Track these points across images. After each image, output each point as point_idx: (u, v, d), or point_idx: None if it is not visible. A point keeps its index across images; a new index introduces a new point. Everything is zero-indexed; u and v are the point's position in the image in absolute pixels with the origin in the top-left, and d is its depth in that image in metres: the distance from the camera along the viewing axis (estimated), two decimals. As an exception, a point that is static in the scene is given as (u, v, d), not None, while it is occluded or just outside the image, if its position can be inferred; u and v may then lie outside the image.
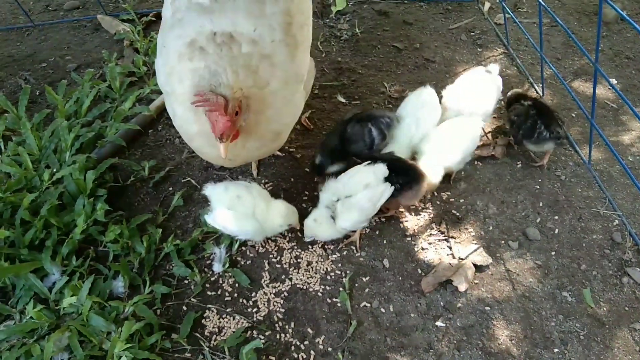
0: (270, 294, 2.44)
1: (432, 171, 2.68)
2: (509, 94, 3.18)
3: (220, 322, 2.34)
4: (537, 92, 3.50)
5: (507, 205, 2.82)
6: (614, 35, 4.11)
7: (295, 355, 2.23)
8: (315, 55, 3.86)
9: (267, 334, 2.30)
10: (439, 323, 2.33)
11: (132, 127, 3.09)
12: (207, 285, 2.48)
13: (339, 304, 2.40)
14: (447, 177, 2.87)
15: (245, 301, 2.42)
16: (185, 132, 2.33)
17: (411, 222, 2.74)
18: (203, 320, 2.35)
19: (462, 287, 2.43)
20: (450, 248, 2.62)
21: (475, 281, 2.49)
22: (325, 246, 2.62)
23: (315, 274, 2.51)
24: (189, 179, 2.95)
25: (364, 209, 2.46)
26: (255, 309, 2.39)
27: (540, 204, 2.81)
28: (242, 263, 2.57)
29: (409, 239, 2.66)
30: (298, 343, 2.27)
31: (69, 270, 2.42)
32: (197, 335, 2.29)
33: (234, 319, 2.35)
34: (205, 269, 2.54)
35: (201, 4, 2.24)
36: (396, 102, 3.36)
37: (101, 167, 2.79)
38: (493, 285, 2.48)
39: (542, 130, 2.84)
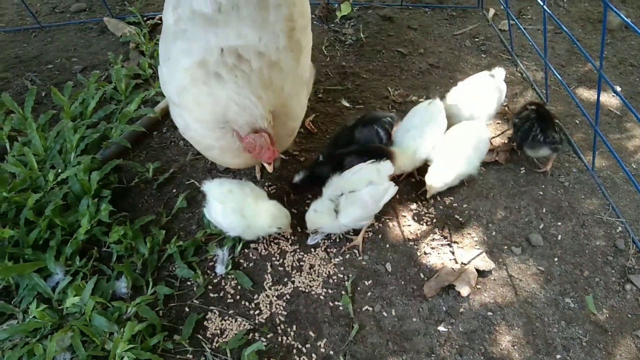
0: (273, 296, 2.44)
1: (438, 175, 2.69)
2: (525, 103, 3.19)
3: (222, 324, 2.34)
4: (540, 99, 3.51)
5: (510, 211, 2.82)
6: (618, 42, 4.12)
7: (297, 358, 2.23)
8: (320, 59, 3.88)
9: (269, 336, 2.30)
10: (441, 328, 2.33)
11: (137, 129, 3.11)
12: (210, 287, 2.48)
13: (341, 308, 2.40)
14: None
15: (247, 303, 2.42)
16: (199, 143, 2.38)
17: (414, 226, 2.74)
18: (205, 322, 2.35)
19: (464, 292, 2.43)
20: (453, 253, 2.62)
21: (478, 286, 2.49)
22: (328, 249, 2.63)
23: (318, 277, 2.51)
24: (192, 181, 2.95)
25: (366, 205, 2.48)
26: (257, 312, 2.39)
27: (544, 210, 2.81)
28: (245, 265, 2.57)
29: (411, 243, 2.66)
30: (300, 346, 2.27)
31: (73, 270, 2.43)
32: (199, 336, 2.29)
33: (236, 321, 2.35)
34: (208, 271, 2.54)
35: (205, 14, 2.22)
36: (400, 106, 3.38)
37: (106, 168, 2.80)
38: (495, 290, 2.48)
39: (537, 134, 2.85)
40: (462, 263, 2.56)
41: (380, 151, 2.68)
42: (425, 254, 2.62)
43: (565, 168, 3.05)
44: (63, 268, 2.41)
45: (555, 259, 2.60)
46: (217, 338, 2.29)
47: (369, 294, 2.46)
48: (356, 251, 2.62)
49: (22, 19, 4.49)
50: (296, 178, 2.69)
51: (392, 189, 2.54)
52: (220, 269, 2.51)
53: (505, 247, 2.65)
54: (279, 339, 2.29)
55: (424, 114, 2.88)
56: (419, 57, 3.92)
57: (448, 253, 2.63)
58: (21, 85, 3.69)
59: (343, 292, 2.45)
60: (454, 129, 2.91)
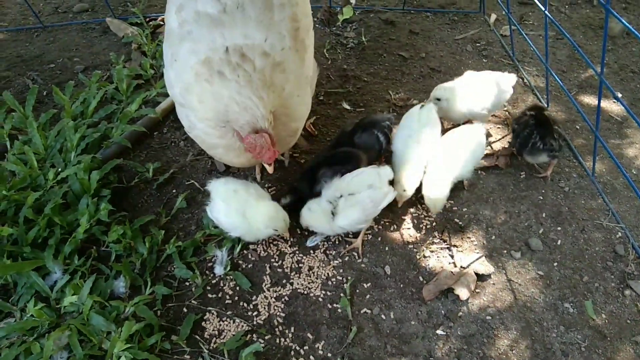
0: (271, 298, 2.43)
1: (438, 187, 2.66)
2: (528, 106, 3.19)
3: (220, 324, 2.34)
4: (541, 104, 3.51)
5: (510, 215, 2.81)
6: (619, 49, 4.13)
7: (295, 360, 2.23)
8: (322, 62, 3.88)
9: (267, 338, 2.29)
10: (439, 331, 2.33)
11: (137, 129, 3.11)
12: (208, 288, 2.47)
13: (339, 310, 2.40)
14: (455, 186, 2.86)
15: (245, 304, 2.42)
16: (204, 142, 2.38)
17: (413, 229, 2.74)
18: (203, 323, 2.34)
19: (463, 296, 2.42)
20: (452, 256, 2.62)
21: (477, 290, 2.48)
22: (327, 252, 2.62)
23: (317, 279, 2.51)
24: (192, 181, 2.95)
25: (365, 208, 2.48)
26: (255, 313, 2.38)
27: (543, 215, 2.81)
28: (244, 266, 2.56)
29: (411, 246, 2.66)
30: (298, 348, 2.26)
31: (71, 269, 2.43)
32: (197, 337, 2.28)
33: (234, 322, 2.34)
34: (207, 272, 2.54)
35: (210, 15, 2.22)
36: (401, 110, 3.38)
37: (106, 168, 2.80)
38: (495, 294, 2.47)
39: (536, 141, 2.84)
40: (461, 267, 2.56)
41: (349, 156, 2.70)
42: (425, 257, 2.62)
43: (566, 173, 3.05)
44: (61, 267, 2.40)
45: (555, 264, 2.59)
46: (214, 339, 2.29)
47: (368, 296, 2.45)
48: (355, 254, 2.62)
49: (25, 18, 4.50)
50: (282, 201, 2.65)
51: (391, 194, 2.55)
52: (218, 270, 2.51)
53: (505, 251, 2.65)
54: (277, 341, 2.28)
55: (419, 118, 2.87)
56: (421, 61, 3.93)
57: (447, 257, 2.62)
58: (23, 84, 3.69)
59: (342, 295, 2.44)
60: (451, 134, 2.90)
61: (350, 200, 2.47)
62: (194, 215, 2.79)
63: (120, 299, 2.38)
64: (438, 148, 2.82)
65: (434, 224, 2.76)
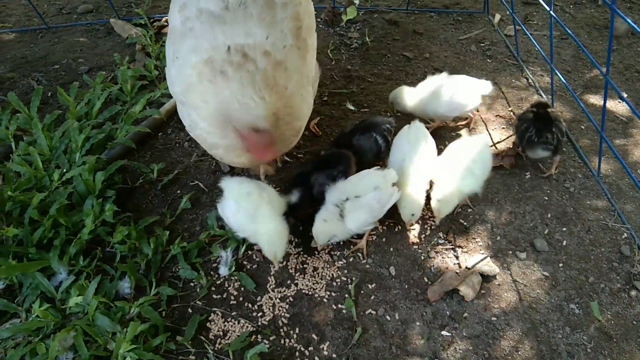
0: (276, 298, 2.43)
1: (443, 202, 2.62)
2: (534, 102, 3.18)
3: (225, 325, 2.34)
4: (544, 100, 3.49)
5: (515, 216, 2.80)
6: (624, 49, 4.11)
7: (300, 361, 2.23)
8: (325, 62, 3.88)
9: (271, 338, 2.29)
10: (444, 332, 2.32)
11: (142, 130, 3.12)
12: (213, 289, 2.47)
13: (344, 311, 2.39)
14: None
15: (250, 305, 2.42)
16: (205, 141, 2.38)
17: (418, 230, 2.73)
18: (208, 323, 2.34)
19: (468, 297, 2.41)
20: (457, 257, 2.61)
21: (482, 291, 2.48)
22: (332, 252, 2.62)
23: (321, 279, 2.51)
24: (197, 182, 2.96)
25: (372, 210, 2.47)
26: (260, 314, 2.38)
27: (549, 216, 2.80)
28: (248, 267, 2.56)
29: (415, 247, 2.65)
30: (302, 349, 2.26)
31: (76, 270, 2.43)
32: (202, 338, 2.29)
33: (238, 322, 2.34)
34: (211, 272, 2.54)
35: (212, 13, 2.23)
36: (404, 110, 3.35)
37: (110, 169, 2.80)
38: (500, 295, 2.46)
39: (532, 135, 2.84)
40: (466, 267, 2.55)
41: (339, 158, 2.69)
42: (429, 257, 2.61)
43: (571, 174, 3.04)
44: (67, 267, 2.41)
45: (560, 265, 2.58)
46: (219, 339, 2.29)
47: (373, 297, 2.45)
48: (360, 254, 2.61)
49: (29, 19, 4.52)
50: (293, 198, 2.59)
51: (396, 194, 2.54)
52: (223, 271, 2.51)
53: (510, 252, 2.64)
54: (282, 342, 2.28)
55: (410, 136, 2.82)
56: (425, 62, 3.92)
57: (452, 257, 2.62)
58: (27, 85, 3.70)
59: (346, 296, 2.44)
60: (455, 146, 2.86)
61: (357, 203, 2.46)
62: (199, 216, 2.79)
63: (125, 299, 2.38)
64: (442, 162, 2.78)
65: (439, 224, 2.75)
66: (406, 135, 2.83)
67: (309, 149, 3.17)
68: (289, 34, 2.28)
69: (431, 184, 2.73)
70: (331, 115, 3.43)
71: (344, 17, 4.33)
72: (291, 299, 2.44)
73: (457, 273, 2.51)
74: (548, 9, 3.03)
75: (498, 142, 3.22)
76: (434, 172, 2.74)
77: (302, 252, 2.61)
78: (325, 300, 2.43)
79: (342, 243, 2.65)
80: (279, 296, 2.44)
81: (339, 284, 2.49)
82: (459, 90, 3.09)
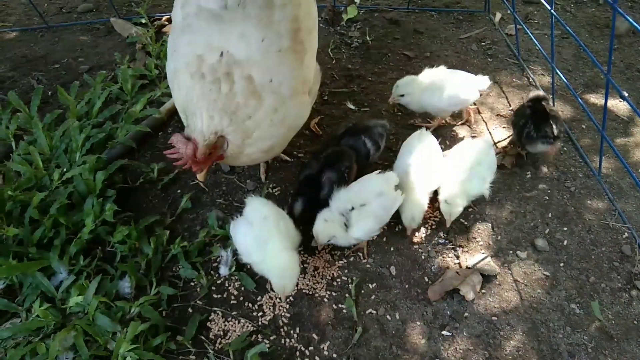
0: (276, 298, 2.43)
1: (455, 200, 2.61)
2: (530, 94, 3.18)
3: (225, 325, 2.33)
4: (539, 94, 3.48)
5: (516, 215, 2.80)
6: (625, 48, 4.10)
7: (300, 361, 2.22)
8: (326, 61, 3.88)
9: (272, 338, 2.29)
10: (445, 332, 2.32)
11: (142, 129, 3.11)
12: (213, 288, 2.47)
13: (344, 310, 2.39)
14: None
15: (250, 305, 2.41)
16: None
17: (419, 230, 2.72)
18: (208, 323, 2.34)
19: (469, 297, 2.41)
20: (457, 257, 2.61)
21: (483, 291, 2.47)
22: (332, 252, 2.62)
23: (322, 279, 2.50)
24: (197, 181, 2.95)
25: (378, 216, 2.46)
26: (260, 313, 2.38)
27: (549, 215, 2.80)
28: (249, 267, 2.55)
29: (416, 246, 2.65)
30: (303, 348, 2.26)
31: (76, 270, 2.43)
32: (202, 337, 2.28)
33: (239, 322, 2.34)
34: (212, 272, 2.54)
35: (211, 10, 2.25)
36: (405, 109, 3.35)
37: (111, 168, 2.80)
38: (500, 295, 2.46)
39: (530, 130, 2.86)
40: (467, 267, 2.55)
41: (341, 154, 2.69)
42: (430, 257, 2.61)
43: (572, 173, 3.03)
44: (67, 267, 2.40)
45: (561, 264, 2.58)
46: (220, 339, 2.28)
47: (373, 297, 2.45)
48: (360, 254, 2.61)
49: (30, 18, 4.51)
50: (296, 210, 2.58)
51: (399, 198, 2.53)
52: (223, 270, 2.51)
53: (511, 251, 2.64)
54: (282, 341, 2.28)
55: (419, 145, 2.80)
56: (425, 61, 3.91)
57: (453, 257, 2.62)
58: (27, 85, 3.70)
59: (347, 295, 2.44)
60: (458, 149, 2.86)
61: (363, 212, 2.44)
62: (199, 216, 2.79)
63: (125, 299, 2.38)
64: (447, 165, 2.77)
65: (440, 223, 2.75)
66: (414, 142, 2.82)
67: (310, 148, 3.16)
68: (285, 36, 2.28)
69: (437, 190, 2.71)
70: (332, 115, 3.42)
71: (345, 16, 4.32)
72: (291, 298, 2.44)
73: (457, 273, 2.51)
74: (549, 7, 3.03)
75: (499, 142, 3.22)
76: (440, 180, 2.72)
77: (302, 252, 2.61)
78: (325, 299, 2.43)
79: (342, 242, 2.65)
80: (279, 296, 2.44)
81: (339, 283, 2.49)
82: (458, 85, 3.09)
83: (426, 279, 2.52)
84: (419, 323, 2.35)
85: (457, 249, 2.65)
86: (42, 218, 2.52)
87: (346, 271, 2.54)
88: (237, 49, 2.20)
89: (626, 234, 2.71)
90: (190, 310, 2.39)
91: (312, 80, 2.58)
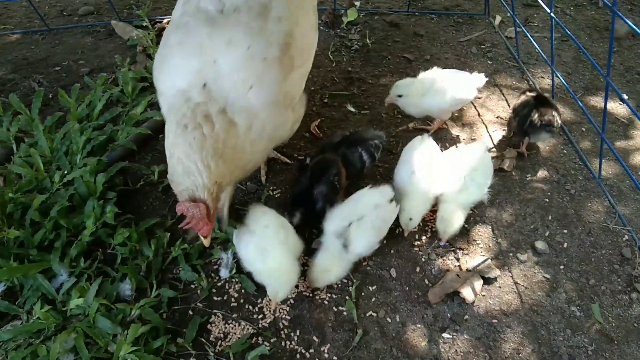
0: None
1: (451, 218, 2.60)
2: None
3: (225, 327, 2.33)
4: (532, 87, 3.51)
5: (516, 218, 2.80)
6: (625, 51, 4.11)
7: (300, 363, 2.22)
8: (326, 64, 3.89)
9: (272, 340, 2.29)
10: (445, 335, 2.32)
11: (143, 132, 3.11)
12: (214, 290, 2.47)
13: (345, 313, 2.39)
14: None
15: (251, 307, 2.41)
16: None
17: (419, 232, 2.73)
18: (209, 325, 2.34)
19: (469, 299, 2.41)
20: (457, 259, 2.61)
21: (483, 293, 2.48)
22: (333, 254, 2.62)
23: (322, 281, 2.50)
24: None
25: (377, 228, 2.44)
26: (260, 316, 2.38)
27: (550, 218, 2.80)
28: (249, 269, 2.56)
29: (416, 249, 2.65)
30: (303, 351, 2.26)
31: (77, 272, 2.43)
32: (203, 340, 2.28)
33: (239, 324, 2.34)
34: (212, 274, 2.54)
35: (207, 12, 2.23)
36: (405, 112, 3.35)
37: (111, 170, 2.80)
38: (501, 297, 2.46)
39: (534, 119, 2.89)
40: (467, 269, 2.55)
41: (327, 164, 2.67)
42: (430, 260, 2.61)
43: (572, 175, 3.04)
44: (67, 269, 2.40)
45: (561, 267, 2.58)
46: (220, 342, 2.28)
47: (373, 299, 2.45)
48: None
49: (30, 21, 4.52)
50: (294, 221, 2.55)
51: (396, 209, 2.53)
52: (224, 273, 2.51)
53: (511, 254, 2.64)
54: (282, 344, 2.28)
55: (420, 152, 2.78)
56: (425, 63, 3.92)
57: (453, 259, 2.62)
58: (28, 87, 3.71)
59: (347, 298, 2.44)
60: (452, 156, 2.83)
61: (362, 225, 2.41)
62: (199, 218, 2.78)
63: (126, 301, 2.38)
64: (443, 175, 2.75)
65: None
66: (415, 146, 2.81)
67: (310, 151, 3.17)
68: (274, 46, 2.20)
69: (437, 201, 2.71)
70: (332, 117, 3.43)
71: (345, 18, 4.33)
72: (292, 301, 2.44)
73: (458, 275, 2.51)
74: (549, 10, 3.04)
75: (498, 144, 3.22)
76: (442, 187, 2.70)
77: (302, 254, 2.60)
78: (325, 302, 2.43)
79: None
80: (271, 300, 2.42)
81: (339, 286, 2.49)
82: (458, 84, 3.10)
83: (426, 282, 2.52)
84: (419, 325, 2.35)
85: (457, 251, 2.65)
86: (42, 220, 2.53)
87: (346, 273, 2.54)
88: (223, 57, 2.14)
89: (626, 236, 2.72)
90: (190, 312, 2.39)
91: (296, 99, 2.45)
